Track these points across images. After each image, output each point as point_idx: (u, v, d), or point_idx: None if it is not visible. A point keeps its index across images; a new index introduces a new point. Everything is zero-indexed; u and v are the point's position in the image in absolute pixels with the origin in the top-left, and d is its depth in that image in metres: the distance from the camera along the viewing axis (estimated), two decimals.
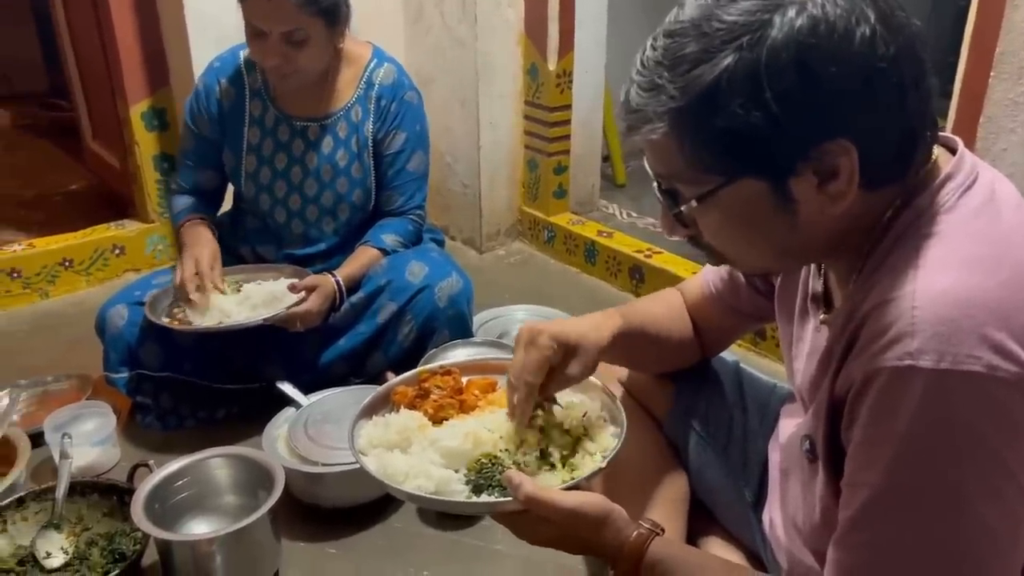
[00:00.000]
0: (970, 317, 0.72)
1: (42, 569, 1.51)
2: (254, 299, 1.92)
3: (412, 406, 1.18)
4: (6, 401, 1.95)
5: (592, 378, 1.16)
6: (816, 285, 0.98)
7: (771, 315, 1.18)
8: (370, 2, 2.62)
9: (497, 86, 2.90)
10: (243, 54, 2.01)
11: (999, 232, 0.78)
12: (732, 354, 1.38)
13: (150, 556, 1.52)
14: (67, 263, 2.70)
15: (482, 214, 3.03)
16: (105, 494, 1.62)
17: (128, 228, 2.84)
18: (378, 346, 2.00)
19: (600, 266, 2.84)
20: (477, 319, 2.23)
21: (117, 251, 2.79)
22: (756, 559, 1.26)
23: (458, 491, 1.04)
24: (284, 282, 1.98)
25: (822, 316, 0.96)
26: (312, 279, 1.93)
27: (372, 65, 2.03)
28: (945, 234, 0.78)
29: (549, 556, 1.20)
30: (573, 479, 1.03)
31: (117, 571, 1.46)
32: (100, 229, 2.81)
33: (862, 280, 0.84)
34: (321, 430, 1.73)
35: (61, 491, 1.56)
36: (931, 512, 0.75)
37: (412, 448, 1.10)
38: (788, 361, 1.09)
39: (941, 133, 0.85)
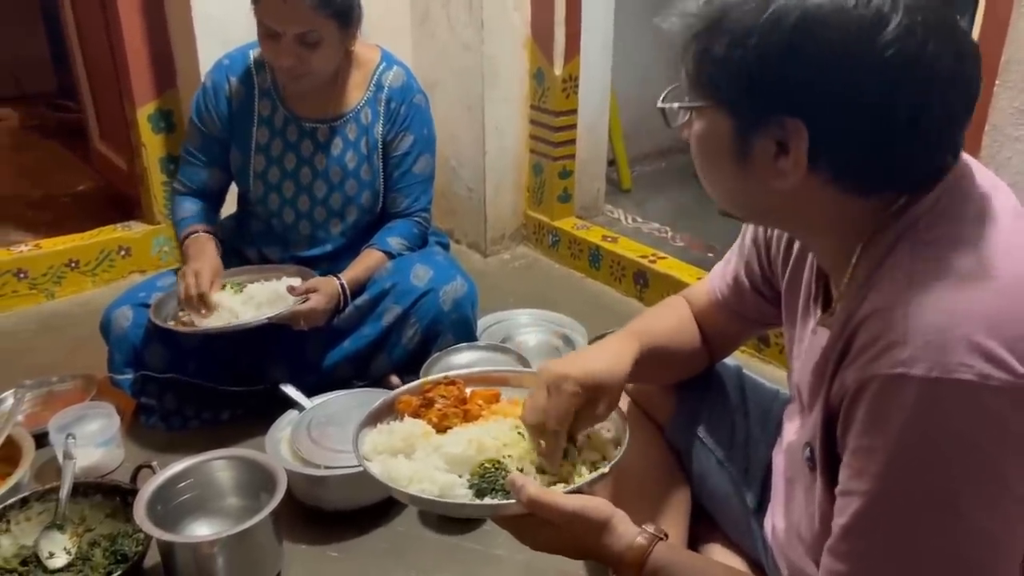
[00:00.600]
0: (962, 325, 0.72)
1: (45, 569, 1.51)
2: (258, 298, 1.93)
3: (416, 415, 1.19)
4: (11, 401, 1.96)
5: None
6: (817, 284, 0.99)
7: (776, 321, 1.18)
8: (377, 5, 2.63)
9: (503, 90, 2.90)
10: (253, 53, 2.02)
11: (994, 241, 0.78)
12: (734, 359, 1.38)
13: (152, 557, 1.53)
14: (73, 264, 2.71)
15: (487, 218, 3.03)
16: (108, 495, 1.62)
17: (134, 230, 2.85)
18: (382, 349, 2.01)
19: (604, 271, 2.84)
20: (481, 323, 2.23)
21: (123, 252, 2.80)
22: (757, 566, 1.25)
23: (461, 495, 1.04)
24: (288, 280, 1.99)
25: (820, 317, 0.96)
26: (313, 281, 1.94)
27: (381, 68, 2.04)
28: (940, 243, 0.78)
29: (550, 561, 1.20)
30: (576, 483, 1.03)
31: (119, 572, 1.46)
32: (106, 230, 2.82)
33: (856, 286, 0.84)
34: (324, 433, 1.73)
35: (65, 492, 1.57)
36: (925, 520, 0.75)
37: (416, 454, 1.10)
38: (790, 363, 1.09)
39: None
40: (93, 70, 3.17)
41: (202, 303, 1.88)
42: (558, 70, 2.86)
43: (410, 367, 2.01)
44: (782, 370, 2.26)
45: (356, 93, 2.03)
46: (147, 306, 1.93)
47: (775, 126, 0.79)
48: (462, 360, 1.98)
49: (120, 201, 3.13)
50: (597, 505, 0.97)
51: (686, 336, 1.27)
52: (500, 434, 1.11)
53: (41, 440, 1.81)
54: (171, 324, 1.88)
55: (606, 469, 1.05)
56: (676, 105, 0.90)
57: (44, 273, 2.66)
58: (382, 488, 1.04)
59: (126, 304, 1.96)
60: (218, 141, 2.06)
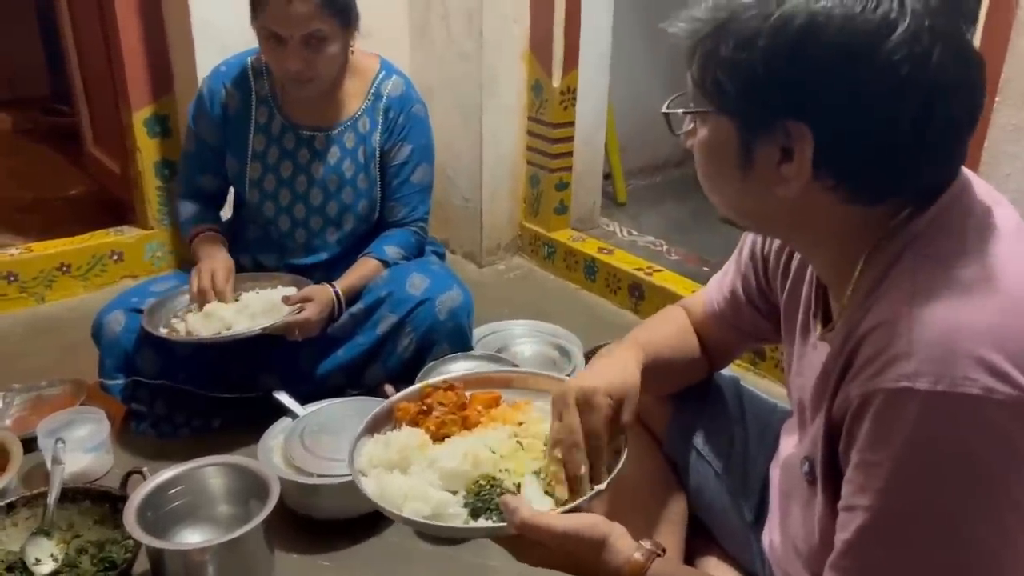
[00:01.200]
0: (967, 340, 0.72)
1: None
2: (252, 308, 1.91)
3: (415, 423, 1.17)
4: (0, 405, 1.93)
5: None
6: (816, 298, 0.98)
7: (772, 336, 1.17)
8: (376, 15, 2.63)
9: (501, 101, 2.90)
10: (251, 60, 2.01)
11: (998, 255, 0.78)
12: (731, 371, 1.37)
13: (141, 565, 1.51)
14: (65, 268, 2.69)
15: (483, 228, 3.03)
16: (97, 501, 1.60)
17: (127, 234, 2.83)
18: (377, 358, 1.99)
19: (600, 283, 2.83)
20: (476, 333, 2.22)
21: (115, 257, 2.78)
22: None
23: (455, 515, 1.02)
24: (282, 290, 1.98)
25: (820, 332, 0.95)
26: (307, 290, 1.93)
27: (380, 77, 2.04)
28: (944, 257, 0.78)
29: (546, 574, 1.19)
30: (574, 501, 1.02)
31: None
32: (99, 235, 2.80)
33: (858, 299, 0.83)
34: (317, 441, 1.72)
35: (52, 497, 1.55)
36: (928, 535, 0.74)
37: (411, 468, 1.09)
38: (789, 379, 1.08)
39: None
40: (89, 74, 3.16)
41: (218, 298, 1.89)
42: (556, 82, 2.86)
43: (405, 376, 1.99)
44: (777, 385, 2.26)
45: (354, 102, 2.02)
46: (140, 311, 1.91)
47: (779, 131, 0.79)
48: (457, 370, 1.96)
49: (112, 206, 3.11)
50: (592, 523, 0.95)
51: (686, 346, 1.27)
52: (497, 445, 1.09)
53: (29, 445, 1.79)
54: (164, 332, 1.87)
55: (603, 485, 1.03)
56: (681, 111, 0.90)
57: (35, 277, 2.64)
58: (376, 505, 1.03)
59: (119, 309, 1.94)
60: (214, 148, 2.06)
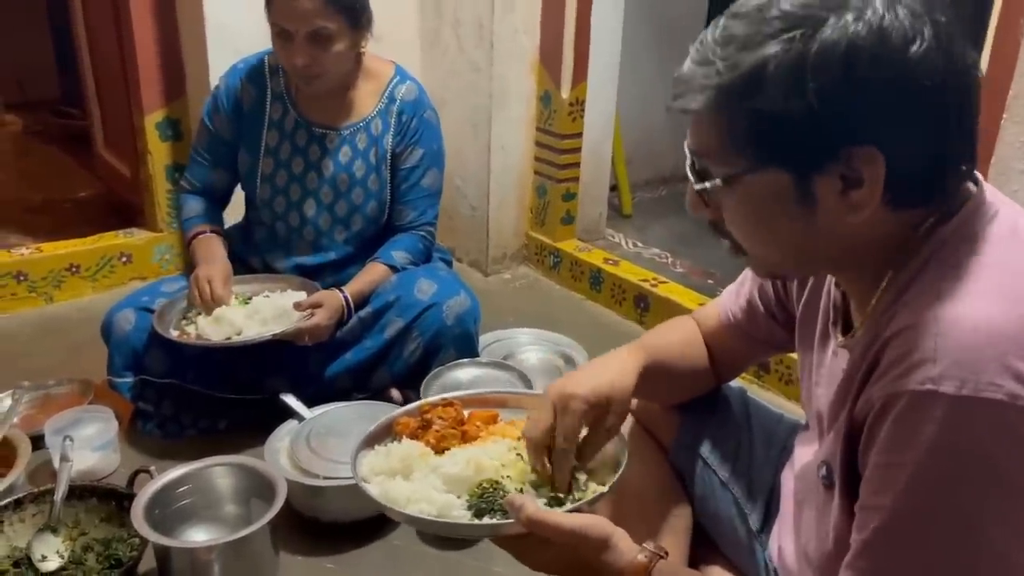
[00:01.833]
0: (993, 346, 0.72)
1: (37, 572, 1.50)
2: (263, 313, 1.92)
3: (414, 436, 1.18)
4: (8, 402, 1.94)
5: None
6: (836, 307, 0.99)
7: (785, 344, 1.18)
8: (387, 24, 2.64)
9: (510, 111, 2.92)
10: (268, 59, 2.04)
11: (1023, 263, 0.79)
12: (737, 382, 1.38)
13: (147, 563, 1.51)
14: (74, 269, 2.70)
15: (489, 237, 3.04)
16: (104, 499, 1.61)
17: (136, 236, 2.84)
18: (384, 362, 2.00)
19: (605, 293, 2.84)
20: (481, 341, 2.23)
21: (124, 259, 2.80)
22: None
23: (460, 516, 1.03)
24: (292, 294, 1.99)
25: (841, 340, 0.96)
26: (317, 296, 1.94)
27: (395, 81, 2.06)
28: (970, 263, 0.79)
29: None
30: (577, 502, 1.03)
31: None
32: (108, 236, 2.82)
33: (884, 305, 0.84)
34: (324, 443, 1.72)
35: (60, 494, 1.55)
36: (945, 538, 0.75)
37: (414, 475, 1.10)
38: (808, 388, 1.08)
39: None
40: (101, 77, 3.19)
41: (212, 306, 1.91)
42: (565, 94, 2.88)
43: (411, 381, 2.00)
44: (781, 398, 2.27)
45: (368, 103, 2.05)
46: (150, 311, 1.92)
47: (841, 162, 0.77)
48: (463, 376, 1.97)
49: (122, 208, 3.13)
50: (597, 523, 0.96)
51: (693, 354, 1.27)
52: (498, 455, 1.10)
53: (36, 443, 1.79)
54: (174, 334, 1.88)
55: (606, 488, 1.04)
56: (718, 181, 0.84)
57: (44, 277, 2.65)
58: (381, 507, 1.04)
59: (129, 307, 1.95)
60: (226, 143, 2.08)
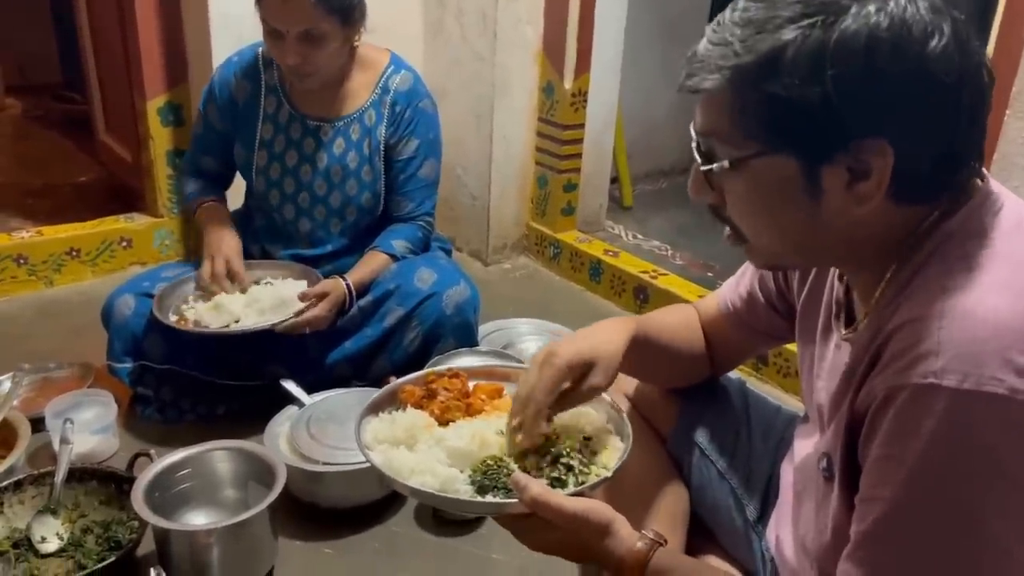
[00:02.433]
0: (996, 340, 0.73)
1: (36, 553, 1.51)
2: (263, 302, 1.92)
3: (419, 406, 1.18)
4: (8, 384, 1.95)
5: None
6: (839, 301, 0.99)
7: (785, 336, 1.18)
8: (390, 14, 2.65)
9: (512, 101, 2.92)
10: (261, 50, 2.03)
11: None
12: (736, 374, 1.38)
13: (146, 546, 1.52)
14: (74, 253, 2.71)
15: (490, 227, 3.04)
16: (103, 481, 1.62)
17: (137, 221, 2.84)
18: (383, 350, 2.00)
19: (605, 284, 2.85)
20: (481, 330, 2.23)
21: (124, 243, 2.80)
22: None
23: (463, 491, 1.03)
24: (292, 283, 1.98)
25: (844, 333, 0.96)
26: (323, 286, 1.94)
27: (389, 71, 2.05)
28: (974, 257, 0.79)
29: (544, 566, 1.20)
30: (578, 485, 1.03)
31: (112, 559, 1.45)
32: (108, 221, 2.82)
33: (888, 299, 0.84)
34: (324, 429, 1.73)
35: (60, 476, 1.56)
36: (944, 531, 0.75)
37: (418, 446, 1.09)
38: (808, 381, 1.09)
39: None
40: (103, 61, 3.17)
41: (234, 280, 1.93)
42: (568, 84, 2.88)
43: (410, 370, 1.96)
44: (779, 390, 2.28)
45: (362, 94, 2.04)
46: (151, 296, 1.92)
47: (850, 154, 0.77)
48: (463, 364, 1.97)
49: (122, 193, 3.13)
50: (599, 508, 0.97)
51: (689, 337, 1.27)
52: (502, 429, 1.10)
53: (36, 425, 1.80)
54: (174, 320, 1.88)
55: (609, 473, 1.05)
56: (725, 163, 0.83)
57: (44, 260, 2.66)
58: (380, 484, 1.04)
59: (129, 292, 1.96)
60: (221, 135, 2.08)
